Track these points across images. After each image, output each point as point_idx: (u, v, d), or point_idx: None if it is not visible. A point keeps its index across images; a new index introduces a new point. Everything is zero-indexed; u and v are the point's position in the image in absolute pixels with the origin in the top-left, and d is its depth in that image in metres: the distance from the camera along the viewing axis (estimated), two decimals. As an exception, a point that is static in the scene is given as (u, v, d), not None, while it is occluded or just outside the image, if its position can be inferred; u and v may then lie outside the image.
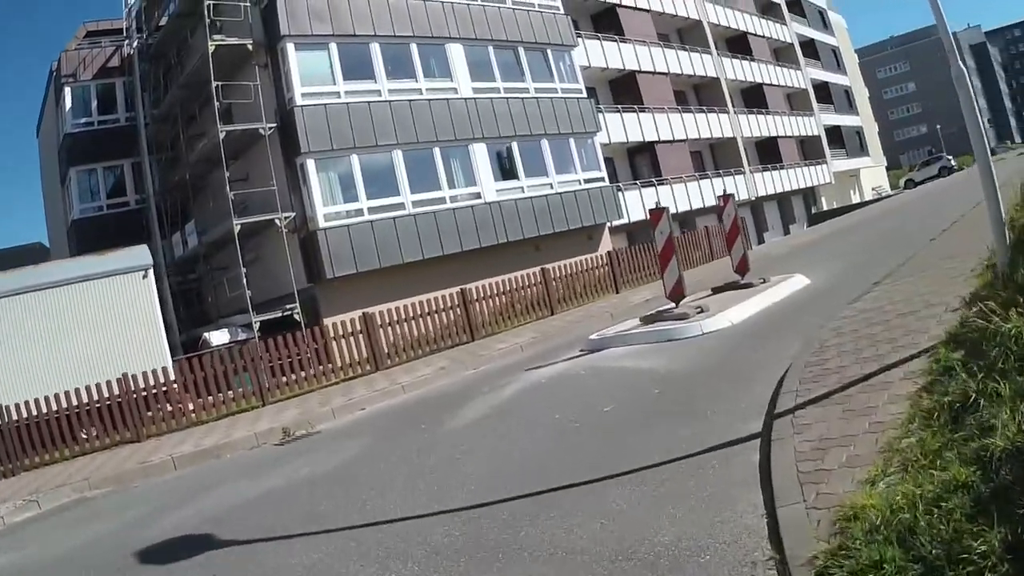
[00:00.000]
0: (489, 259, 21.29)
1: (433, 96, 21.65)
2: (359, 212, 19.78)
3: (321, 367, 14.72)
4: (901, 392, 5.17)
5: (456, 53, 22.70)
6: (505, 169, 23.04)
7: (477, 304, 17.11)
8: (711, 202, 32.82)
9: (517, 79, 24.14)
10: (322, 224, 19.07)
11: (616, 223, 26.55)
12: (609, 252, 21.41)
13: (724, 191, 14.53)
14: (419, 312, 16.19)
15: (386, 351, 15.61)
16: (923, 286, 8.57)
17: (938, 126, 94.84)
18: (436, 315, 16.39)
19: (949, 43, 7.41)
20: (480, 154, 22.26)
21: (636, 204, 28.01)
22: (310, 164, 19.25)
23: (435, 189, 21.17)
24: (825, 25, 58.88)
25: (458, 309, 16.81)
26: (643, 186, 29.25)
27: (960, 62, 7.12)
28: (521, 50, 24.47)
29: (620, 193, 26.99)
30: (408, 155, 20.79)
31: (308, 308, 19.38)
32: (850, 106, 57.76)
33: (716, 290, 14.02)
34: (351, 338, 15.24)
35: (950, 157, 60.29)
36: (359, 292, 18.74)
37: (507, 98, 23.32)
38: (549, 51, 25.39)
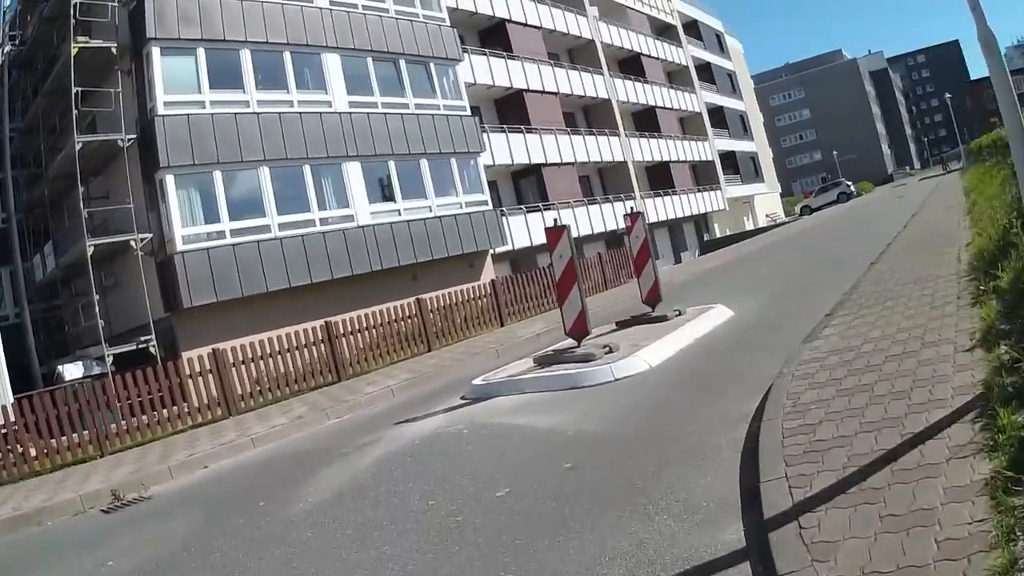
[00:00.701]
0: (362, 288, 21.10)
1: (305, 109, 21.37)
2: (220, 234, 19.19)
3: (176, 408, 13.77)
4: (960, 482, 3.76)
5: (332, 64, 22.54)
6: (381, 190, 22.94)
7: (344, 339, 16.36)
8: (600, 228, 33.66)
9: (397, 94, 24.14)
10: (180, 247, 18.41)
11: (500, 250, 26.82)
12: (493, 281, 21.12)
13: (632, 209, 14.52)
14: (277, 349, 15.24)
15: (240, 393, 14.64)
16: (901, 318, 7.79)
17: (834, 152, 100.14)
18: (298, 352, 15.51)
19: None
20: (354, 173, 22.10)
21: (521, 230, 28.43)
22: (169, 180, 18.58)
23: (304, 211, 20.85)
24: (722, 49, 61.32)
25: (323, 345, 15.94)
26: (529, 211, 29.73)
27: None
28: (402, 63, 24.52)
29: (504, 218, 27.30)
30: (276, 172, 20.44)
31: (166, 340, 18.73)
32: (745, 131, 60.19)
33: (622, 324, 12.98)
34: (199, 378, 14.16)
35: (849, 183, 63.42)
36: (220, 324, 18.15)
37: (385, 114, 23.28)
38: (432, 65, 25.52)
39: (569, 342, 11.16)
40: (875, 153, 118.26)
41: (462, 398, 10.72)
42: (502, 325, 20.09)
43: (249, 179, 20.03)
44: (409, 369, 15.32)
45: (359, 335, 16.73)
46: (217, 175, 19.31)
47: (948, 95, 65.08)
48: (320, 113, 21.64)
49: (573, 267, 10.63)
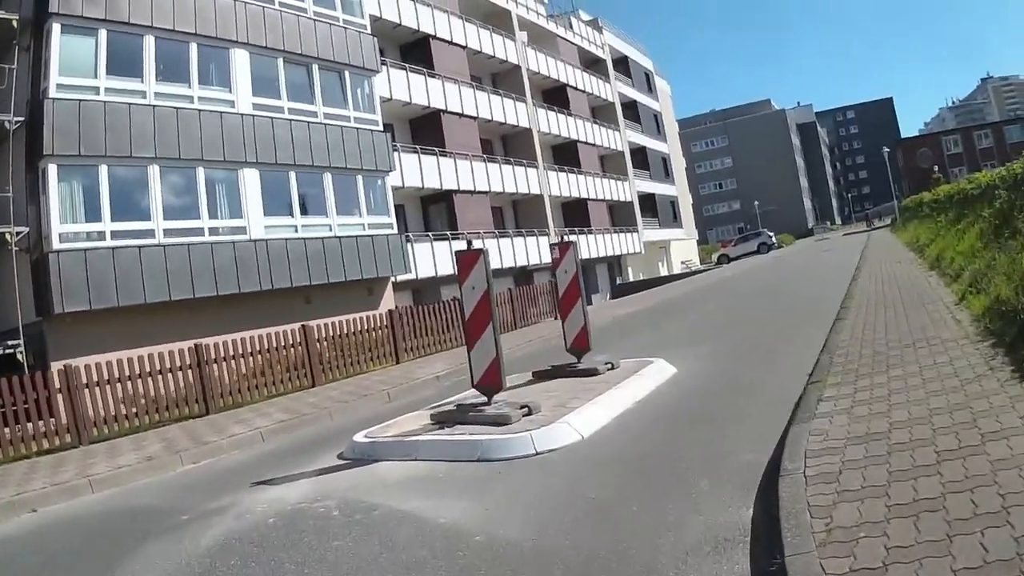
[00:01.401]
0: (249, 309, 20.73)
1: (206, 107, 20.91)
2: (101, 235, 18.47)
3: (21, 429, 12.88)
4: None
5: (240, 61, 22.16)
6: (278, 202, 22.56)
7: (217, 365, 15.29)
8: (510, 263, 33.84)
9: (306, 100, 23.92)
10: (56, 245, 17.64)
11: (402, 278, 26.67)
12: (391, 311, 20.51)
13: (561, 238, 13.12)
14: (138, 371, 14.19)
15: (92, 419, 13.63)
16: (924, 394, 6.52)
17: (755, 203, 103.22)
18: (161, 376, 14.44)
19: None
20: (251, 181, 21.70)
21: (426, 258, 28.44)
22: (52, 170, 17.82)
23: (193, 217, 20.32)
24: (650, 89, 62.90)
25: (190, 371, 14.80)
26: (436, 239, 29.81)
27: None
28: (315, 68, 24.33)
29: (409, 244, 27.25)
30: (167, 173, 19.90)
31: (35, 347, 17.92)
32: (667, 174, 61.69)
33: (541, 375, 11.60)
34: (48, 399, 13.12)
35: (771, 234, 65.39)
36: (93, 335, 17.50)
37: (291, 120, 23.01)
38: (347, 74, 25.39)
39: (474, 393, 9.65)
40: (796, 206, 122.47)
41: (340, 457, 9.25)
42: (398, 362, 19.47)
43: (137, 177, 19.38)
44: (287, 408, 14.16)
45: (234, 362, 15.77)
46: (103, 169, 18.61)
47: (886, 149, 67.82)
48: (221, 113, 21.21)
49: (489, 302, 9.10)
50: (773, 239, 64.38)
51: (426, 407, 10.63)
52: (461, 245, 8.97)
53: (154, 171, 19.55)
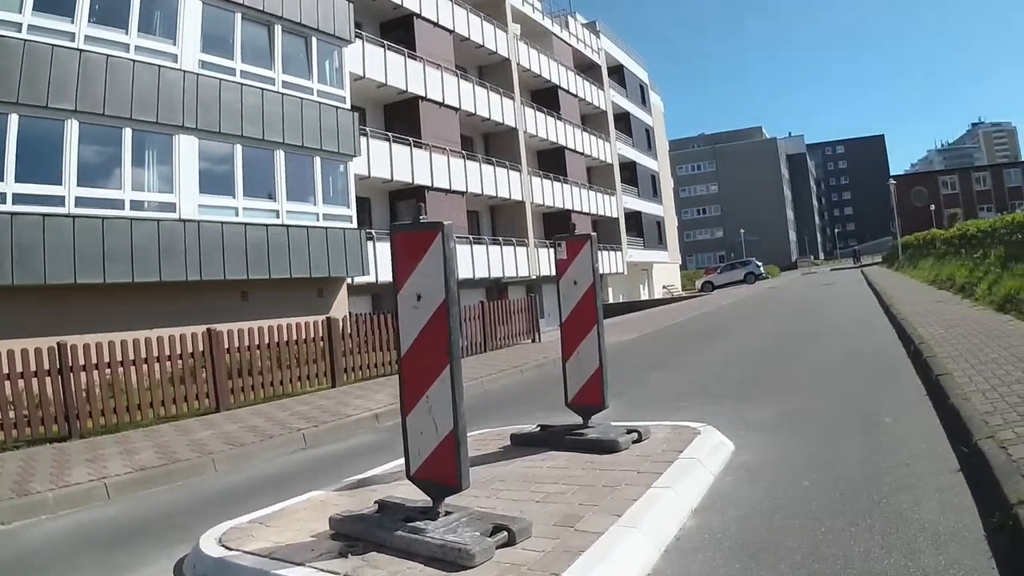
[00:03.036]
0: (171, 301, 18.20)
1: (143, 58, 18.07)
2: (1, 197, 15.75)
3: None
4: None
5: (191, 9, 19.29)
6: (218, 179, 19.68)
7: (86, 374, 11.76)
8: (483, 273, 31.38)
9: (264, 64, 21.13)
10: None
11: (360, 280, 24.07)
12: (329, 319, 16.05)
13: (572, 229, 8.09)
14: None
15: None
16: None
17: (742, 231, 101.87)
18: (10, 382, 11.07)
19: None
20: (187, 151, 18.86)
21: (390, 260, 25.55)
22: (-50, 114, 15.23)
23: (114, 186, 17.50)
24: (644, 102, 61.02)
25: (47, 379, 11.35)
26: (403, 238, 26.75)
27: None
28: (278, 28, 21.53)
29: (371, 242, 24.49)
30: (87, 130, 17.03)
31: None
32: (655, 193, 59.75)
33: (525, 441, 7.58)
34: None
35: (759, 263, 63.68)
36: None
37: (243, 84, 20.22)
38: (315, 40, 22.62)
39: (407, 487, 5.47)
40: (781, 237, 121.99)
41: (175, 573, 5.50)
42: (334, 384, 15.55)
43: (50, 133, 16.49)
44: (163, 445, 10.30)
45: (109, 370, 12.18)
46: (13, 119, 15.80)
47: (892, 182, 66.25)
48: (160, 67, 18.34)
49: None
50: (761, 269, 62.63)
51: (338, 487, 6.77)
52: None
53: (71, 127, 16.66)
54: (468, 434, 4.93)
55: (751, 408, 8.64)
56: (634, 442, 7.01)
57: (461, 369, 4.91)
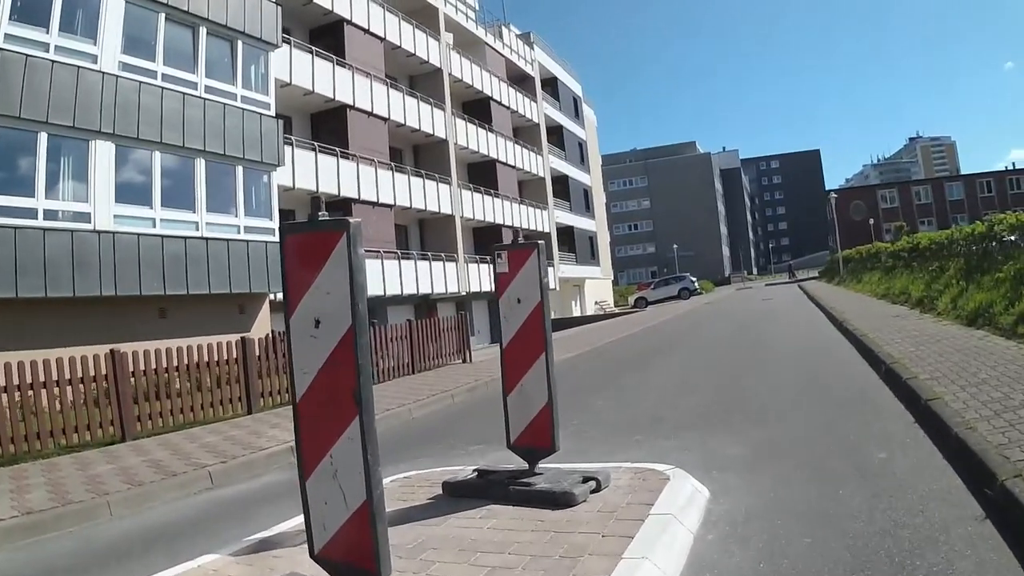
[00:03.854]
0: (84, 318, 17.54)
1: (62, 58, 17.41)
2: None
3: None
4: None
5: (113, 8, 18.70)
6: (134, 188, 19.05)
7: None
8: (412, 290, 31.04)
9: (187, 68, 20.57)
10: None
11: (282, 296, 23.24)
12: (244, 339, 15.05)
13: (516, 236, 6.67)
14: None
15: None
16: None
17: (675, 246, 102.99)
18: None
19: None
20: (103, 157, 18.22)
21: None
22: None
23: (26, 194, 16.75)
24: (577, 115, 61.24)
25: None
26: (329, 252, 26.30)
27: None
28: (203, 30, 20.98)
29: (296, 255, 23.73)
30: (2, 135, 16.41)
31: None
32: (587, 208, 59.96)
33: (460, 491, 6.41)
34: None
35: (694, 279, 64.33)
36: None
37: (164, 88, 19.65)
38: (240, 44, 22.14)
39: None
40: (715, 253, 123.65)
41: None
42: (249, 411, 14.68)
43: (-42, 137, 15.92)
44: (56, 484, 9.22)
45: (23, 393, 11.38)
46: (-81, 123, 15.23)
47: (833, 195, 67.49)
48: (79, 67, 17.70)
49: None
50: (696, 285, 63.24)
51: (236, 549, 5.69)
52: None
53: (-16, 130, 16.06)
54: (391, 479, 4.44)
55: (718, 442, 7.78)
56: (592, 491, 5.93)
57: (374, 418, 3.90)
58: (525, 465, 6.36)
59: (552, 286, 48.07)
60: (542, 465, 6.35)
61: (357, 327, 3.80)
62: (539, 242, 6.40)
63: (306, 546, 4.26)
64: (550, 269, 47.88)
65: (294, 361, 4.06)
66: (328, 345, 3.90)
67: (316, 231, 3.95)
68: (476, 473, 6.63)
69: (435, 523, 5.71)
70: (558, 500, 5.73)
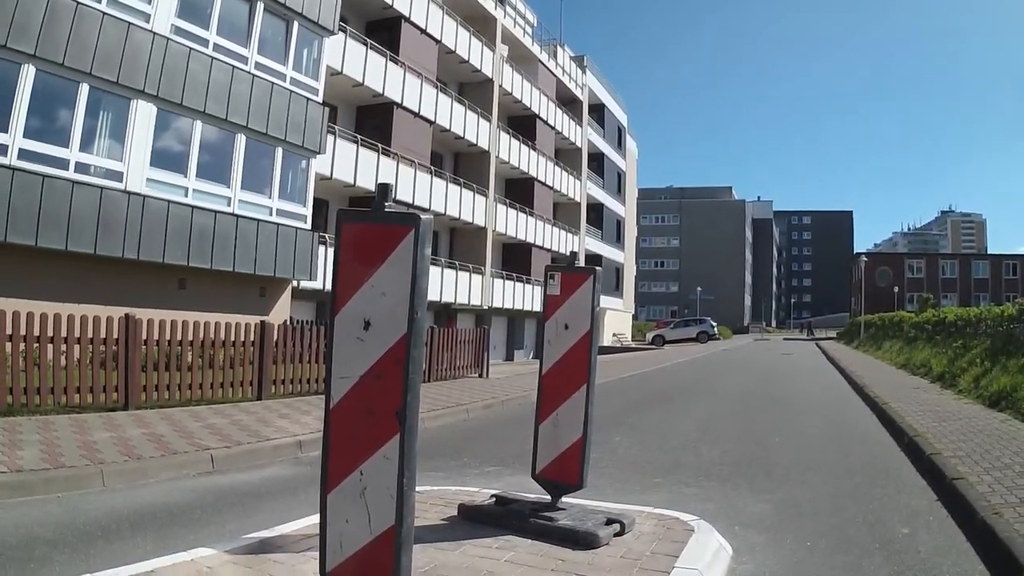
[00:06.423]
0: (102, 278, 17.36)
1: (113, 11, 17.26)
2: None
3: None
4: None
5: (172, -31, 18.65)
6: (171, 154, 18.90)
7: None
8: (434, 296, 30.71)
9: (239, 41, 20.46)
10: None
11: (306, 284, 23.36)
12: (263, 323, 14.69)
13: (572, 259, 6.52)
14: None
15: None
16: None
17: (698, 288, 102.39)
18: None
19: None
20: (143, 119, 18.05)
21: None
22: None
23: (61, 143, 16.56)
24: (620, 145, 61.04)
25: None
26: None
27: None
28: (260, 6, 20.89)
29: (323, 246, 23.74)
30: (41, 79, 16.15)
31: None
32: (618, 239, 59.52)
33: (476, 516, 6.09)
34: None
35: (713, 323, 63.83)
36: None
37: (214, 58, 19.52)
38: (296, 25, 21.98)
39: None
40: (736, 300, 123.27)
41: None
42: (260, 397, 14.27)
43: (3, 74, 15.62)
44: (50, 444, 8.83)
45: (29, 345, 11.04)
46: (-38, 56, 15.07)
47: (864, 258, 67.26)
48: (129, 24, 17.54)
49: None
50: (715, 329, 62.74)
51: (233, 547, 5.28)
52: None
53: (27, 72, 15.80)
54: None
55: (740, 496, 7.61)
56: (615, 535, 5.64)
57: (416, 440, 3.43)
58: (546, 496, 6.07)
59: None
60: (565, 500, 6.06)
61: (412, 337, 3.34)
62: (597, 268, 6.09)
63: (309, 554, 4.26)
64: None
65: (333, 363, 3.57)
66: (375, 352, 3.43)
67: (379, 223, 3.49)
68: (494, 499, 6.35)
69: (449, 548, 5.35)
70: (580, 540, 5.44)
